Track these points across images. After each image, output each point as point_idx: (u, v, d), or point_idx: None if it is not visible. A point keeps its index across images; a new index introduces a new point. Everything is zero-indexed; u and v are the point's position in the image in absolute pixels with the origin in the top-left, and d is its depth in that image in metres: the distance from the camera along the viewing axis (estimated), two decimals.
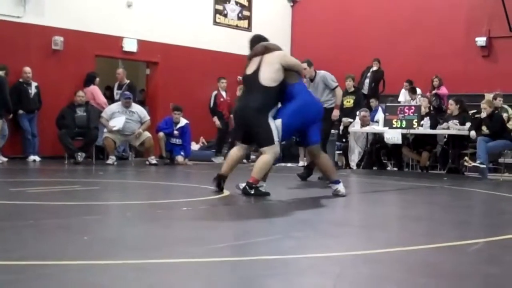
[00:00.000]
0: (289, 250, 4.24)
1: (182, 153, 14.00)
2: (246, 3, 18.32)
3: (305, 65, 9.71)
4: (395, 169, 13.70)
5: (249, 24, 18.30)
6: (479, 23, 16.46)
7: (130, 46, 15.67)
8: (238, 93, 14.62)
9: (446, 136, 12.80)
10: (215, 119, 15.35)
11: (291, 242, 4.58)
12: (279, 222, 5.81)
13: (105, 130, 13.49)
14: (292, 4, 19.49)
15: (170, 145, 14.04)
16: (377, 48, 16.80)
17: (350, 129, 13.69)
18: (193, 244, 4.38)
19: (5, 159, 12.68)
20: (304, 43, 17.93)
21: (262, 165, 7.25)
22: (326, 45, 17.62)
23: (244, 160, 11.55)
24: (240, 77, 14.39)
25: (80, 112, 13.50)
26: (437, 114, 13.76)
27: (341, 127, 13.96)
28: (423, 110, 13.14)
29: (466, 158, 12.15)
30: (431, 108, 13.98)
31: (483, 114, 12.09)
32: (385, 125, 12.98)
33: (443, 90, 15.43)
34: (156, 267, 3.60)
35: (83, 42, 14.57)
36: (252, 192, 7.15)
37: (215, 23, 17.62)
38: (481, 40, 16.43)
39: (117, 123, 13.36)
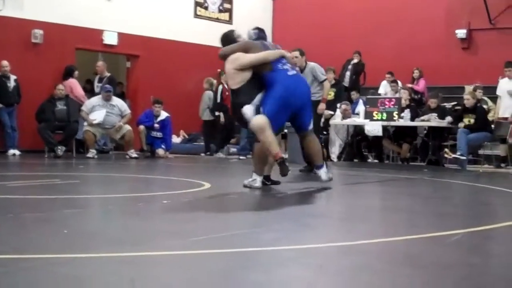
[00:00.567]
0: (270, 242, 4.23)
1: (163, 146, 13.96)
2: None
3: (296, 53, 9.74)
4: (376, 161, 13.76)
5: (230, 16, 18.25)
6: (459, 16, 16.51)
7: (110, 39, 15.60)
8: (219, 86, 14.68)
9: (427, 128, 12.86)
10: (221, 115, 14.93)
11: (272, 234, 4.58)
12: (260, 215, 5.81)
13: (85, 123, 13.44)
14: None
15: (150, 138, 14.00)
16: (357, 41, 16.80)
17: (331, 121, 13.71)
18: (174, 237, 4.39)
19: None
20: (285, 35, 17.88)
21: (263, 145, 7.23)
22: (307, 38, 17.56)
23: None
24: (219, 70, 14.39)
25: (60, 105, 13.44)
26: (418, 107, 13.81)
27: (322, 120, 13.94)
28: (404, 103, 13.18)
29: (446, 149, 12.22)
30: (411, 101, 14.03)
31: (468, 104, 12.09)
32: (365, 117, 13.01)
33: (421, 85, 15.43)
34: (137, 260, 3.59)
35: (63, 35, 14.47)
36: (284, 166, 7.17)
37: (196, 15, 17.56)
38: (461, 33, 16.47)
39: (97, 116, 13.31)
